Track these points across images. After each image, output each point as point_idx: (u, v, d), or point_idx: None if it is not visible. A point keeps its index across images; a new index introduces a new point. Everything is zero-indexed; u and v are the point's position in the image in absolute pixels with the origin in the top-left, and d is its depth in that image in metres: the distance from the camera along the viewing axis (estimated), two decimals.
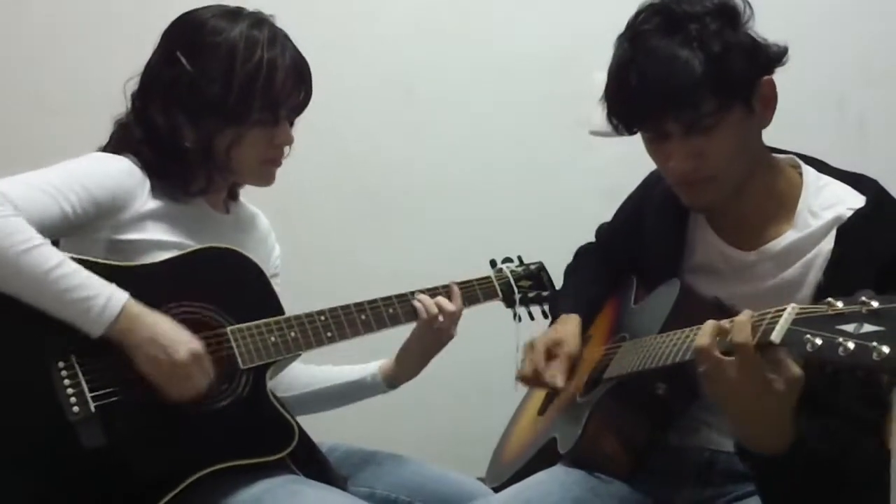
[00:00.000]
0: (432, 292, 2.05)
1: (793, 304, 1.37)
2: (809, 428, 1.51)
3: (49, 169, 1.79)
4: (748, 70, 1.72)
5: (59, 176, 1.77)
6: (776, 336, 1.35)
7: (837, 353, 1.25)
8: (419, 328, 2.03)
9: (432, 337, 2.03)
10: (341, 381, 2.12)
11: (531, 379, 2.03)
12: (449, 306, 2.03)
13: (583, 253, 2.28)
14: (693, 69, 1.68)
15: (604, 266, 2.19)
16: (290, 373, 2.12)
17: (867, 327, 1.24)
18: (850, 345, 1.23)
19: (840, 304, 1.29)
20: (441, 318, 2.01)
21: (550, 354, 2.02)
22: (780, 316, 1.37)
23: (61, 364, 1.71)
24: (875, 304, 1.25)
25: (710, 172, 1.77)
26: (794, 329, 1.33)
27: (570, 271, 2.28)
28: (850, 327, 1.26)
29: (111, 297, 1.70)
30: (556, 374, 1.98)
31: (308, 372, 2.15)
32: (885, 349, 1.20)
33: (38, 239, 1.68)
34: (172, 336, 1.73)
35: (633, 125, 1.80)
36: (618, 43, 1.79)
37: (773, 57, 1.76)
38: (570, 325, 2.08)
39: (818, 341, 1.27)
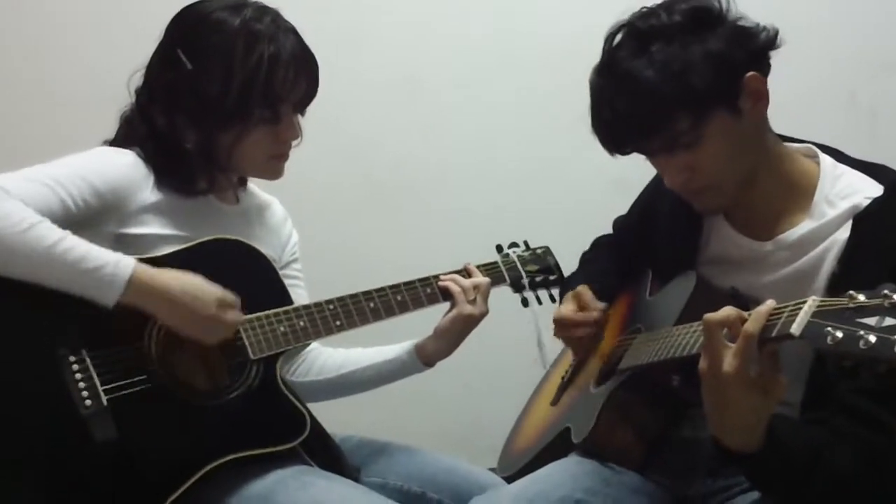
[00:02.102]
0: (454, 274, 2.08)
1: (813, 297, 1.35)
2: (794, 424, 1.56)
3: (50, 163, 1.78)
4: (721, 76, 1.70)
5: (59, 169, 1.77)
6: (796, 329, 1.33)
7: (858, 346, 1.23)
8: (457, 305, 2.03)
9: (472, 311, 2.03)
10: (377, 360, 2.11)
11: (576, 337, 2.04)
12: (481, 280, 2.06)
13: (599, 244, 2.28)
14: (658, 91, 1.69)
15: (618, 258, 2.19)
16: (320, 357, 2.13)
17: (889, 321, 1.22)
18: (872, 338, 1.22)
19: (862, 297, 1.27)
20: (474, 292, 2.04)
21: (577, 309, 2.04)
22: (801, 308, 1.35)
23: (73, 358, 1.71)
24: None
25: (706, 182, 1.78)
26: (814, 322, 1.31)
27: (584, 260, 2.28)
28: (871, 320, 1.24)
29: (119, 264, 1.70)
30: (592, 311, 2.02)
31: (338, 355, 2.14)
32: None
33: (36, 217, 1.68)
34: (193, 291, 1.75)
35: (622, 152, 1.82)
36: (592, 73, 1.81)
37: (757, 49, 1.75)
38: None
39: (839, 334, 1.25)
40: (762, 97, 1.74)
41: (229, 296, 1.78)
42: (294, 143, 1.94)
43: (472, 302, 2.03)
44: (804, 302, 1.35)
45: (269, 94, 1.84)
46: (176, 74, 1.85)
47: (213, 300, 1.75)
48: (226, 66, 1.82)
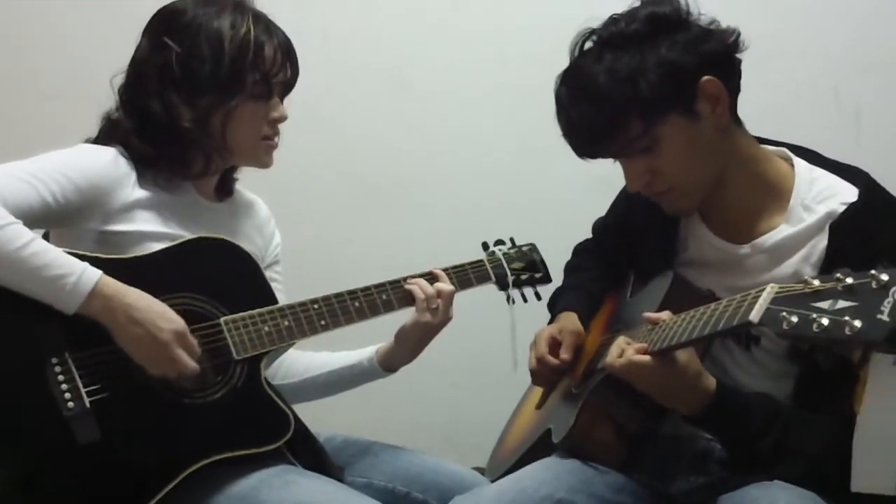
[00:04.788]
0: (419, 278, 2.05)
1: (772, 284, 1.39)
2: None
3: (30, 159, 1.79)
4: (671, 81, 1.73)
5: (39, 165, 1.78)
6: (755, 315, 1.37)
7: (812, 329, 1.27)
8: (417, 311, 2.01)
9: (430, 320, 2.01)
10: (338, 366, 2.11)
11: (539, 368, 2.03)
12: (445, 287, 2.02)
13: (581, 250, 2.29)
14: (607, 98, 1.74)
15: (602, 263, 2.20)
16: (286, 360, 2.12)
17: (841, 303, 1.27)
18: (824, 321, 1.26)
19: (817, 283, 1.31)
20: (437, 300, 2.01)
21: (555, 342, 2.03)
22: (760, 296, 1.38)
23: (55, 360, 1.71)
24: (850, 280, 1.28)
25: (665, 185, 1.82)
26: (771, 308, 1.35)
27: (569, 269, 2.29)
28: (825, 304, 1.28)
29: (83, 275, 1.70)
30: (562, 353, 2.00)
31: (305, 359, 2.14)
32: (857, 323, 1.23)
33: (9, 219, 1.68)
34: (153, 315, 1.73)
35: (588, 156, 1.86)
36: (556, 80, 1.85)
37: (713, 53, 1.77)
38: (570, 318, 2.09)
39: (794, 319, 1.30)
40: (720, 100, 1.77)
41: (188, 333, 1.77)
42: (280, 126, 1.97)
43: (434, 310, 2.00)
44: (763, 289, 1.38)
45: (260, 69, 1.88)
46: (166, 57, 1.87)
47: (170, 329, 1.74)
48: (216, 45, 1.86)
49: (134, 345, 1.73)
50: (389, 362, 2.08)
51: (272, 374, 2.09)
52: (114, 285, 1.73)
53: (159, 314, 1.74)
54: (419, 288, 2.01)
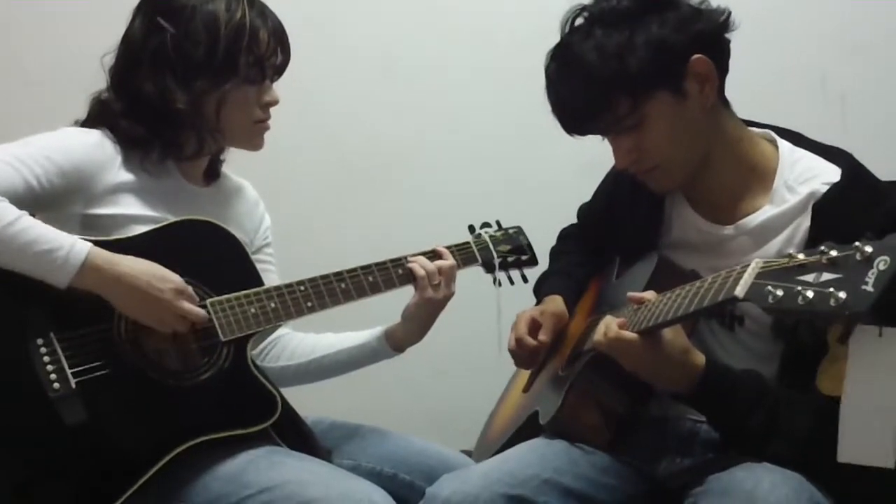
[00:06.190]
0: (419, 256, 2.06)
1: (757, 259, 1.40)
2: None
3: (14, 143, 1.79)
4: (660, 59, 1.74)
5: (23, 149, 1.78)
6: (740, 290, 1.37)
7: (797, 302, 1.28)
8: (419, 290, 2.02)
9: (433, 295, 2.01)
10: (347, 346, 2.10)
11: (518, 350, 2.03)
12: (445, 263, 2.03)
13: (566, 236, 2.29)
14: (595, 75, 1.75)
15: (587, 247, 2.21)
16: (291, 342, 2.13)
17: (826, 276, 1.28)
18: (809, 293, 1.27)
19: (801, 256, 1.32)
20: (439, 276, 2.02)
21: (535, 324, 2.03)
22: (745, 271, 1.39)
23: (40, 341, 1.72)
24: (834, 253, 1.29)
25: (652, 162, 1.82)
26: (757, 283, 1.36)
27: (554, 255, 2.29)
28: (809, 277, 1.29)
29: (73, 248, 1.70)
30: (541, 335, 2.00)
31: (310, 340, 2.14)
32: (842, 294, 1.24)
33: None
34: (149, 276, 1.75)
35: (577, 132, 1.87)
36: (546, 56, 1.86)
37: (703, 33, 1.78)
38: (553, 301, 2.09)
39: (779, 293, 1.31)
40: (709, 79, 1.78)
41: (187, 287, 1.79)
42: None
43: (436, 286, 2.01)
44: (748, 265, 1.40)
45: (254, 53, 1.88)
46: (161, 39, 1.87)
47: (170, 288, 1.76)
48: (211, 28, 1.86)
49: (137, 309, 1.75)
50: (399, 342, 2.08)
51: (276, 355, 2.11)
52: (104, 255, 1.73)
53: (155, 275, 1.76)
54: (419, 265, 2.02)
